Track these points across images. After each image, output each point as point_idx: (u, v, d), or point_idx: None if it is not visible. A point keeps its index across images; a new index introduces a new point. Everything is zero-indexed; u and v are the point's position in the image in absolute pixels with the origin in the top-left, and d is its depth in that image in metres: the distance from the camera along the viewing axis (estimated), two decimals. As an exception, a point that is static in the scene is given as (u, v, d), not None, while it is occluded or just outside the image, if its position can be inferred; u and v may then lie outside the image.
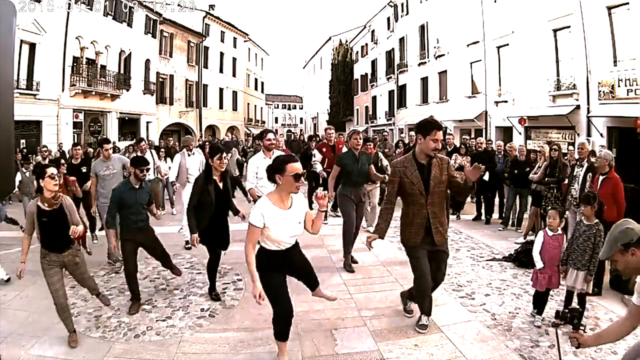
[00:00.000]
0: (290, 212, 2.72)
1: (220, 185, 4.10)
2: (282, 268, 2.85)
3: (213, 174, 4.06)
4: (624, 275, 2.88)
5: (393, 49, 26.03)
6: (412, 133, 8.97)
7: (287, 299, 2.82)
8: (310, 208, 8.78)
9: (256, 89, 40.78)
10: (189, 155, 6.35)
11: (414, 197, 3.24)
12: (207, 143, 9.57)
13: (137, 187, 3.93)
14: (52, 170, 3.15)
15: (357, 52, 34.19)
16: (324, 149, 7.40)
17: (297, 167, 2.64)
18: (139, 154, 7.01)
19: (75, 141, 11.50)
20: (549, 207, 5.78)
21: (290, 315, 2.81)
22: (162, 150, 9.45)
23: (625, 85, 10.01)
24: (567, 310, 2.35)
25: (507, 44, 14.86)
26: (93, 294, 3.57)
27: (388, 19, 26.66)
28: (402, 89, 25.07)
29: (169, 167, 7.38)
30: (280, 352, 2.96)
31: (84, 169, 6.12)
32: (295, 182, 2.64)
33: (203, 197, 4.00)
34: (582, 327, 2.28)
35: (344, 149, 5.99)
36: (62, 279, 3.26)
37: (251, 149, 13.10)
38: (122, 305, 3.96)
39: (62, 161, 6.58)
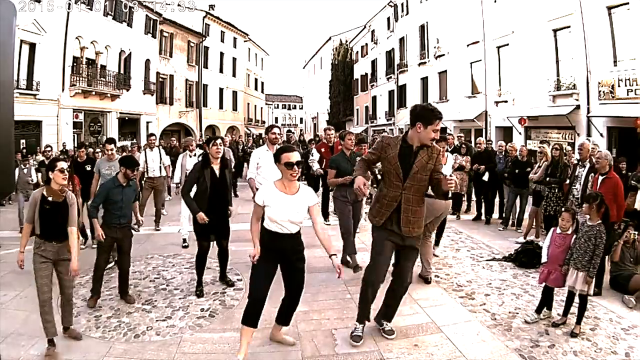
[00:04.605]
0: (292, 198, 2.88)
1: (217, 172, 4.17)
2: (277, 254, 2.94)
3: (211, 161, 4.16)
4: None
5: (393, 49, 26.03)
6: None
7: (264, 286, 2.90)
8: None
9: (256, 89, 40.78)
10: (190, 156, 6.39)
11: (390, 177, 3.15)
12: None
13: (124, 185, 4.08)
14: (63, 164, 3.27)
15: (357, 52, 34.18)
16: (323, 149, 7.39)
17: (290, 155, 2.85)
18: (148, 149, 7.15)
19: (82, 141, 11.63)
20: (549, 207, 5.83)
21: (258, 301, 2.88)
22: (161, 147, 9.53)
23: (625, 85, 10.01)
24: None
25: (507, 44, 14.87)
26: (65, 305, 3.33)
27: (388, 19, 26.66)
28: (402, 89, 25.07)
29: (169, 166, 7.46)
30: (242, 337, 2.95)
31: (88, 167, 6.23)
32: (286, 169, 2.84)
33: (199, 183, 4.08)
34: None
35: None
36: (51, 277, 3.20)
37: (251, 149, 13.13)
38: (122, 305, 3.96)
39: (65, 158, 6.62)
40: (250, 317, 2.90)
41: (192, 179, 4.14)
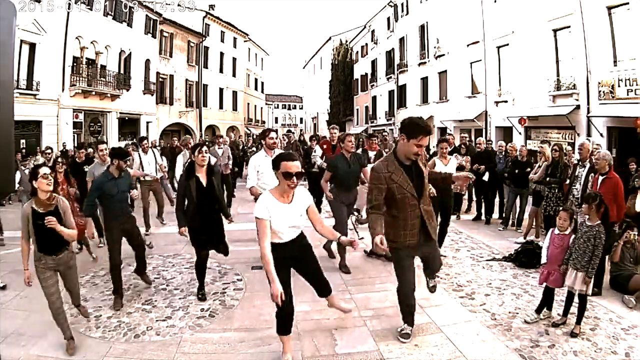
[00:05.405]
0: (291, 206, 2.81)
1: (204, 182, 4.03)
2: (288, 261, 2.89)
3: (196, 170, 4.03)
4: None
5: (393, 49, 26.02)
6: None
7: (289, 298, 2.84)
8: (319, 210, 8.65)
9: (256, 89, 40.77)
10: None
11: (405, 200, 3.03)
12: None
13: (117, 177, 4.07)
14: (44, 170, 3.11)
15: (357, 52, 34.17)
16: (325, 146, 7.46)
17: (290, 165, 2.70)
18: (141, 152, 7.13)
19: (82, 142, 11.64)
20: (549, 207, 5.83)
21: (290, 313, 2.89)
22: (156, 149, 9.55)
23: (625, 85, 10.01)
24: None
25: (507, 44, 14.86)
26: (74, 304, 3.46)
27: (388, 19, 26.65)
28: (402, 89, 25.07)
29: (166, 165, 7.50)
30: (283, 346, 3.01)
31: (86, 168, 6.23)
32: (284, 179, 2.72)
33: (185, 194, 4.00)
34: None
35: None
36: (57, 284, 3.21)
37: (251, 149, 13.14)
38: (122, 304, 3.95)
39: (62, 160, 6.55)
40: (285, 328, 2.94)
41: (180, 195, 4.06)
